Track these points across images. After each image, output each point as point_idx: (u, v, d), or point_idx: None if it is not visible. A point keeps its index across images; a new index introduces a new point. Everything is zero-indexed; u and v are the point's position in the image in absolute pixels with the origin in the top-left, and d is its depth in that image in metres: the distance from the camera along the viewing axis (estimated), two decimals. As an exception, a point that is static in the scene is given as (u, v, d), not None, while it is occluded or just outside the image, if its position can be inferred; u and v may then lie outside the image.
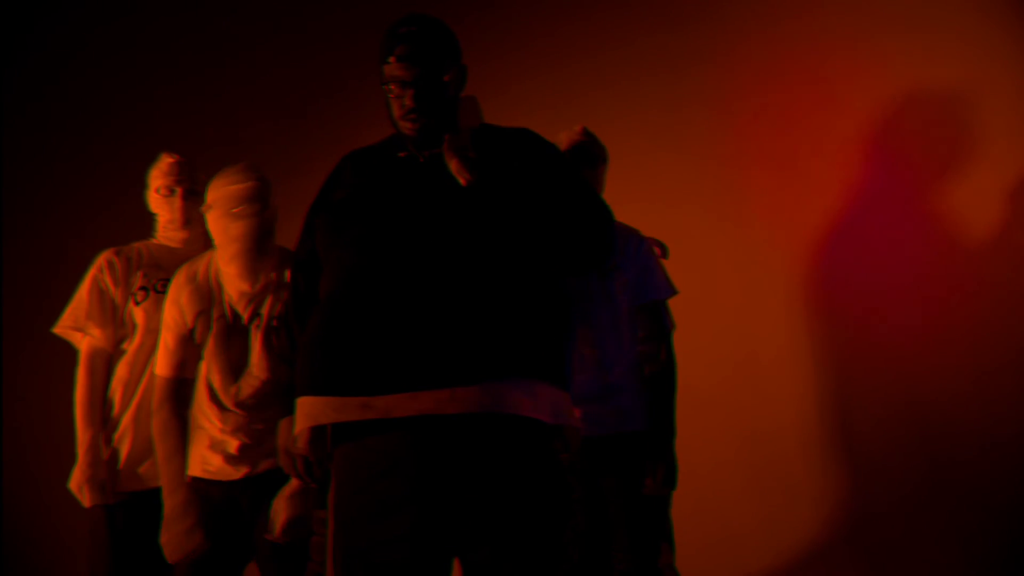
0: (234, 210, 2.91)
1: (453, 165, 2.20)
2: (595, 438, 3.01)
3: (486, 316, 2.17)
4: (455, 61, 2.34)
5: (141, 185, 3.37)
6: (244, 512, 2.91)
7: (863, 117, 3.85)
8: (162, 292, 3.11)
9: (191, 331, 2.94)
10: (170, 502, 2.90)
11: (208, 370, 2.94)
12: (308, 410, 2.22)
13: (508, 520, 2.16)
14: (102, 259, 3.20)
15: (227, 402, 2.91)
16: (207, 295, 2.95)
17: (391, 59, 2.28)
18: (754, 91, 3.94)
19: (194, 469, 2.94)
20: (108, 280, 3.16)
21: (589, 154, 3.16)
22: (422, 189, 2.27)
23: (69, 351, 3.24)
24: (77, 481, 3.09)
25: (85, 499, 3.08)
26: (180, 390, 2.96)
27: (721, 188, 3.93)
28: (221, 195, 2.93)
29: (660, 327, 3.12)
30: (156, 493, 3.03)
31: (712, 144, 3.94)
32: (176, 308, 2.95)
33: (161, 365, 2.97)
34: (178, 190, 3.23)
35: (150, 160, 3.32)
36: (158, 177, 3.25)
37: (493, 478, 2.16)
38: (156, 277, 3.17)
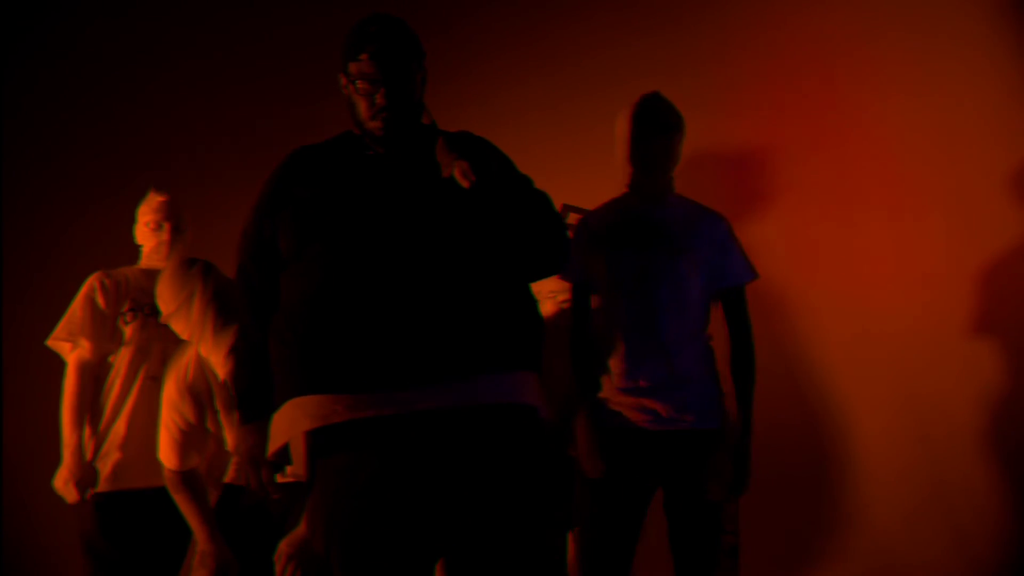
0: (180, 300, 3.05)
1: (459, 165, 2.19)
2: (654, 433, 2.87)
3: (491, 312, 2.19)
4: (421, 62, 2.35)
5: (142, 185, 3.56)
6: (273, 517, 3.00)
7: (865, 117, 3.84)
8: (150, 314, 3.44)
9: (199, 423, 3.04)
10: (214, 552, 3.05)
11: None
12: (315, 410, 2.15)
13: (512, 508, 2.16)
14: (95, 280, 3.52)
15: None
16: (205, 391, 3.02)
17: (362, 56, 2.27)
18: (754, 93, 3.93)
19: (230, 475, 3.10)
20: (100, 299, 3.47)
21: (660, 120, 3.01)
22: (401, 189, 2.26)
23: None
24: (63, 479, 3.38)
25: (71, 495, 3.38)
26: (192, 473, 3.09)
27: (721, 189, 3.92)
28: (165, 295, 3.09)
29: (740, 314, 2.97)
30: (148, 492, 3.31)
31: (712, 144, 3.93)
32: (177, 413, 3.03)
33: (171, 458, 3.06)
34: (165, 225, 3.60)
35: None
36: (147, 213, 3.62)
37: (503, 467, 2.16)
38: (143, 301, 3.48)
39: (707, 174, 3.92)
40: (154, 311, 3.34)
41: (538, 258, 2.30)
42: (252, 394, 2.32)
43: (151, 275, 3.48)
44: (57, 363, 3.54)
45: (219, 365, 3.00)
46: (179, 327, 3.08)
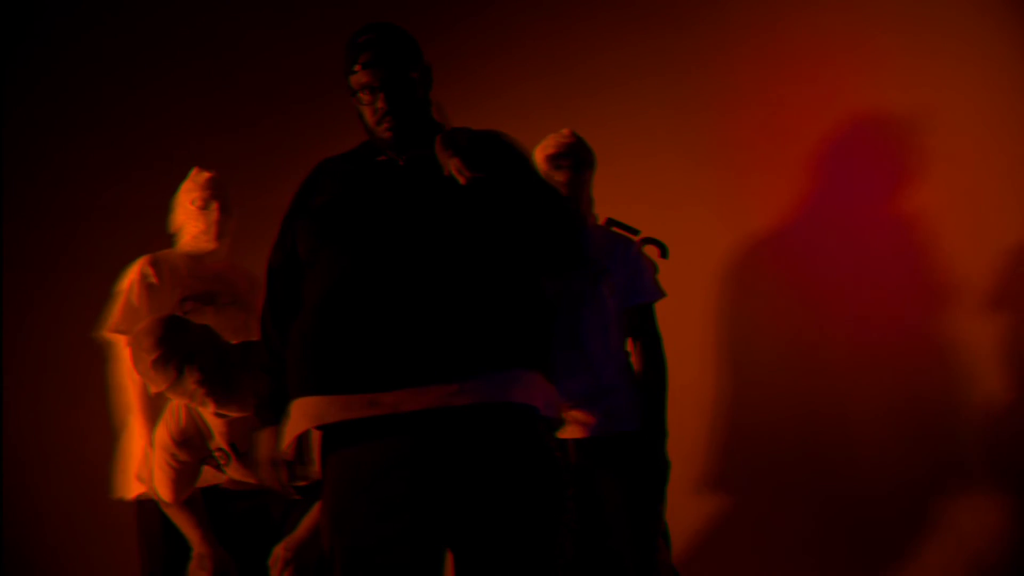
0: (168, 382, 2.84)
1: (453, 163, 2.20)
2: (589, 440, 3.01)
3: (485, 311, 2.19)
4: (419, 61, 2.38)
5: (141, 183, 3.46)
6: (273, 520, 3.01)
7: (863, 117, 3.85)
8: (207, 303, 3.22)
9: (194, 462, 2.99)
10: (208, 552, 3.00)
11: None
12: (311, 410, 2.20)
13: (510, 509, 2.17)
14: (145, 267, 3.24)
15: None
16: (197, 435, 2.98)
17: (357, 67, 2.32)
18: (753, 92, 3.93)
19: (224, 480, 3.05)
20: (157, 284, 3.21)
21: (576, 157, 3.15)
22: (407, 191, 2.29)
23: (69, 353, 3.25)
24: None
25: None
26: (193, 498, 3.04)
27: (720, 189, 3.93)
28: (149, 375, 2.86)
29: (650, 329, 3.12)
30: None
31: (711, 145, 3.93)
32: (169, 455, 2.97)
33: (167, 494, 3.00)
34: (214, 204, 3.31)
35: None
36: (193, 190, 3.34)
37: (496, 468, 2.17)
38: (199, 289, 3.26)
39: (708, 174, 3.93)
40: (210, 299, 3.23)
41: (549, 252, 2.31)
42: (271, 399, 2.37)
43: (198, 259, 3.33)
44: (58, 362, 3.48)
45: (213, 421, 2.92)
46: (175, 398, 2.93)
